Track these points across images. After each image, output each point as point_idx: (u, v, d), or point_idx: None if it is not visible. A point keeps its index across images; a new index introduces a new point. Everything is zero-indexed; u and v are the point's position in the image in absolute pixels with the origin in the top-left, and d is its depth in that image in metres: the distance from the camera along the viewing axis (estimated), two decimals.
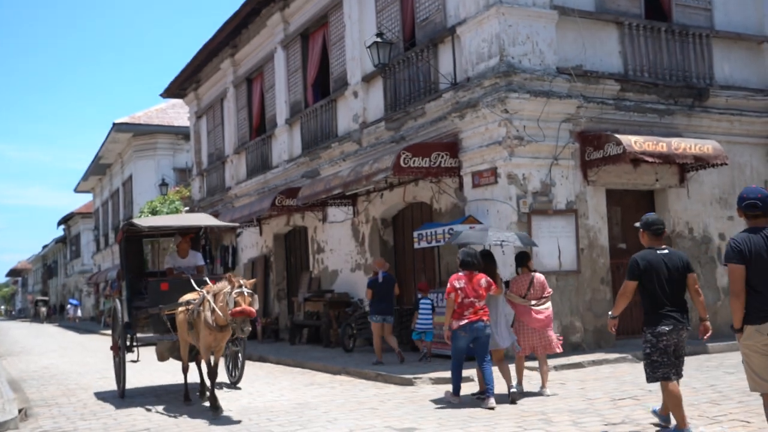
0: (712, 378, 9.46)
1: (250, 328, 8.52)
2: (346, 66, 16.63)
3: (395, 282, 13.09)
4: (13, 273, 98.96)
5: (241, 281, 8.64)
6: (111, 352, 11.75)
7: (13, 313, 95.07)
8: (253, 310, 8.43)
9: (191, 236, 11.74)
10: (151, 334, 11.05)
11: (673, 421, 6.53)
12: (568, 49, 12.56)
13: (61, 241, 64.02)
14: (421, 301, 12.36)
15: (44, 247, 75.89)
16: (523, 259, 9.42)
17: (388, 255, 15.69)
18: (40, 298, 67.02)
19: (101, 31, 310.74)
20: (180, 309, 9.75)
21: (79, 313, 51.55)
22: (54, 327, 45.23)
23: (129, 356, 10.97)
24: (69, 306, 54.49)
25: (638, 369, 10.42)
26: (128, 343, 10.90)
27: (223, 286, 8.79)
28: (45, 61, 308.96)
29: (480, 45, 12.39)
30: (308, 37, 18.64)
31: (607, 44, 13.06)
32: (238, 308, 8.32)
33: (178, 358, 10.89)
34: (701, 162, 12.63)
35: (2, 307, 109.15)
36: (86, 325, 42.10)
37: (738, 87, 14.21)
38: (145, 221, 12.22)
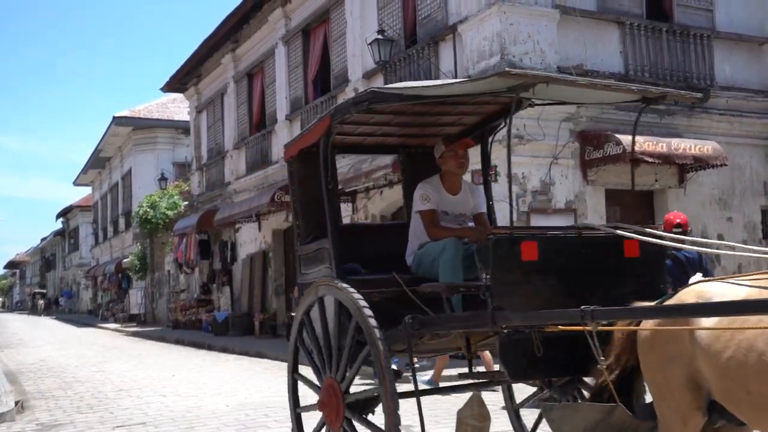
0: None
1: None
2: (347, 63, 16.61)
3: None
4: (11, 265, 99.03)
5: None
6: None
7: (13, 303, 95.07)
8: None
9: (471, 143, 5.70)
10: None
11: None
12: (569, 48, 12.55)
13: (59, 234, 64.02)
14: None
15: (43, 239, 75.93)
16: None
17: None
18: (37, 290, 67.24)
19: (103, 26, 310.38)
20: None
21: (62, 303, 52.50)
22: (51, 319, 45.26)
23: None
24: (62, 298, 54.84)
25: None
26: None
27: None
28: (46, 54, 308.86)
29: (481, 43, 12.37)
30: (309, 33, 18.62)
31: (608, 44, 13.05)
32: None
33: None
34: (701, 163, 12.62)
35: (0, 299, 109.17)
36: (83, 318, 42.13)
37: (739, 88, 14.20)
38: (407, 84, 5.63)
